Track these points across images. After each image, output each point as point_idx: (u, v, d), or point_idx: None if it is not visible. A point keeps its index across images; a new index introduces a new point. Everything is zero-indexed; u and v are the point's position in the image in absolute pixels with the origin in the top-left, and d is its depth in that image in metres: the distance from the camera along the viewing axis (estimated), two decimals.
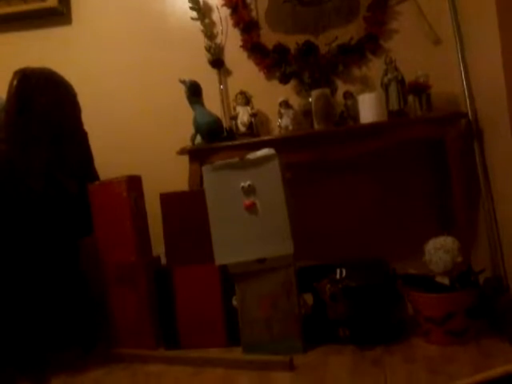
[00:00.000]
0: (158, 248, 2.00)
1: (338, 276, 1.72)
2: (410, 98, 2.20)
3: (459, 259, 1.63)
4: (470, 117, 2.14)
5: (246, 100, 2.35)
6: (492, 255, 2.07)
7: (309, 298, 1.75)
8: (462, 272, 1.66)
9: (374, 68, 2.39)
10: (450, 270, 1.64)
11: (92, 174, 2.14)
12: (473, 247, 2.14)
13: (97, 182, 2.03)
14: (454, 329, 1.61)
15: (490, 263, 2.06)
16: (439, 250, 1.65)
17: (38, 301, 1.77)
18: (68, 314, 1.89)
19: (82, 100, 2.15)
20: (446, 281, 1.64)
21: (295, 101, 2.35)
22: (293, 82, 2.40)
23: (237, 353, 1.75)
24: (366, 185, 2.42)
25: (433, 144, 2.27)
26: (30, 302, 1.75)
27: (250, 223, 1.71)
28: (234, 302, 1.76)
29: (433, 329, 1.63)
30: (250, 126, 2.31)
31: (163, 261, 1.96)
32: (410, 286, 1.70)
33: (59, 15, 2.64)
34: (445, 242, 1.67)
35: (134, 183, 1.97)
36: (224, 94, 2.48)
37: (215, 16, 2.53)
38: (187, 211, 1.89)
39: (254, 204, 1.72)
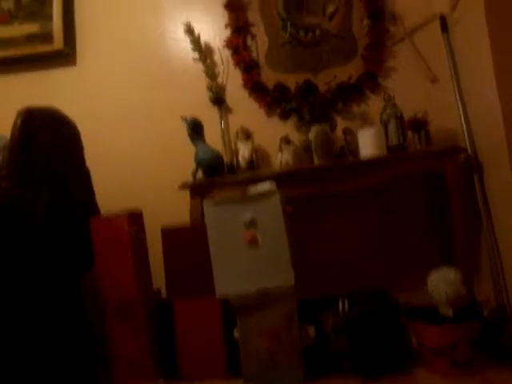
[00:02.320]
0: (159, 280, 1.98)
1: (340, 308, 1.70)
2: (409, 133, 2.24)
3: (462, 290, 1.61)
4: (469, 151, 2.16)
5: (247, 136, 2.38)
6: (495, 286, 2.04)
7: (311, 330, 1.72)
8: (465, 303, 1.63)
9: (373, 105, 2.43)
10: (453, 301, 1.62)
11: (94, 210, 2.15)
12: (476, 278, 2.12)
13: (98, 217, 2.03)
14: (458, 360, 1.57)
15: (493, 294, 2.03)
16: (442, 282, 1.63)
17: (38, 336, 1.74)
18: (68, 348, 1.85)
19: (85, 137, 2.17)
20: (449, 312, 1.61)
21: (295, 137, 2.38)
22: (293, 119, 2.45)
23: None
24: (368, 217, 2.42)
25: (433, 177, 2.28)
26: (30, 336, 1.72)
27: (251, 256, 1.70)
28: (236, 334, 1.73)
29: (436, 360, 1.59)
30: (250, 161, 2.33)
31: (164, 293, 1.94)
32: (413, 318, 1.67)
33: (65, 57, 2.71)
34: (447, 273, 1.65)
35: (135, 218, 1.98)
36: (225, 131, 2.52)
37: (217, 57, 2.60)
38: (188, 245, 1.89)
39: (255, 237, 1.71)
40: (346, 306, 1.70)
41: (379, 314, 1.65)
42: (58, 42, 2.72)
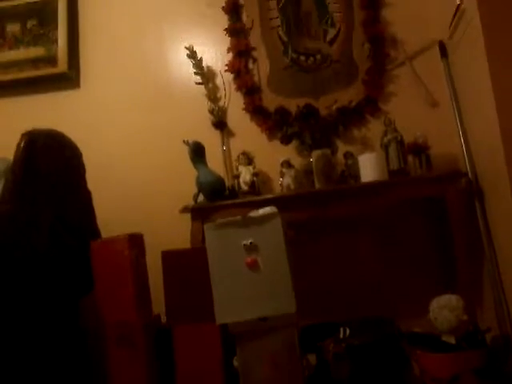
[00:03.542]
0: (158, 305, 1.97)
1: (341, 335, 1.69)
2: (410, 157, 2.24)
3: (464, 317, 1.61)
4: (470, 176, 2.16)
5: (249, 160, 2.39)
6: (498, 313, 2.01)
7: (312, 358, 1.70)
8: (468, 331, 1.62)
9: (374, 129, 2.45)
10: (456, 329, 1.60)
11: (94, 232, 2.15)
12: (478, 305, 2.10)
13: (99, 240, 2.03)
14: None
15: (496, 321, 2.01)
16: (444, 309, 1.62)
17: (36, 359, 1.72)
18: (66, 373, 1.83)
19: (87, 160, 2.19)
20: (451, 340, 1.60)
21: (297, 161, 2.39)
22: (294, 143, 2.46)
23: None
24: (369, 242, 2.42)
25: (434, 202, 2.28)
26: (28, 359, 1.70)
27: (251, 281, 1.69)
28: (235, 363, 1.71)
29: None
30: (252, 184, 2.34)
31: (163, 319, 1.93)
32: (415, 345, 1.66)
33: (68, 80, 2.75)
34: (449, 300, 1.65)
35: (135, 241, 1.97)
36: (227, 154, 2.53)
37: (219, 80, 2.62)
38: (189, 269, 1.88)
39: (255, 262, 1.70)
40: (348, 333, 1.68)
41: (381, 342, 1.64)
42: (62, 65, 2.77)
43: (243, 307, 1.67)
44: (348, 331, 1.69)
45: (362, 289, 2.34)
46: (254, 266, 1.70)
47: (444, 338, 1.62)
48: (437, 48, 2.40)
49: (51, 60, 2.78)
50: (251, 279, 1.69)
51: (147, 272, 2.01)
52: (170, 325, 1.86)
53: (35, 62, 2.79)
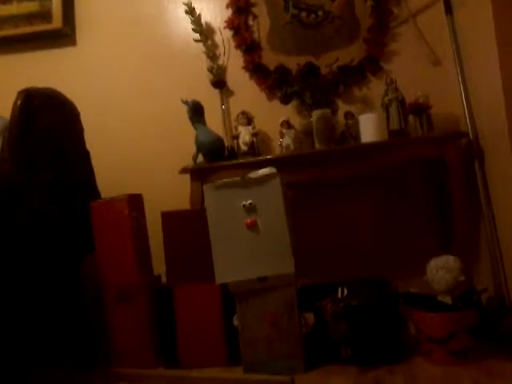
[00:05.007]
0: (159, 267, 1.99)
1: (339, 295, 1.71)
2: (411, 118, 2.22)
3: (461, 278, 1.63)
4: (471, 136, 2.14)
5: (248, 120, 2.37)
6: (494, 274, 2.04)
7: (310, 317, 1.74)
8: (464, 291, 1.65)
9: (375, 89, 2.41)
10: (452, 289, 1.63)
11: (94, 193, 2.15)
12: (475, 266, 2.13)
13: (98, 201, 2.03)
14: (457, 349, 1.59)
15: (492, 282, 2.04)
16: (441, 269, 1.64)
17: (37, 319, 1.76)
18: (68, 332, 1.87)
19: (85, 119, 2.17)
20: (448, 300, 1.63)
21: (296, 121, 2.36)
22: (294, 103, 2.43)
23: (237, 372, 1.72)
24: (368, 204, 2.42)
25: (433, 163, 2.27)
26: (29, 320, 1.74)
27: (251, 242, 1.71)
28: (235, 322, 1.74)
29: (435, 349, 1.61)
30: (251, 145, 2.32)
31: (163, 279, 1.95)
32: (411, 305, 1.69)
33: (64, 37, 2.69)
34: (447, 261, 1.66)
35: (135, 202, 1.98)
36: (226, 114, 2.51)
37: (217, 38, 2.57)
38: (188, 230, 1.89)
39: (255, 222, 1.72)
40: (346, 293, 1.71)
41: (378, 302, 1.66)
42: (57, 21, 2.70)
43: (243, 267, 1.70)
44: (346, 291, 1.71)
45: (360, 250, 2.37)
46: (253, 227, 1.72)
47: (440, 298, 1.65)
48: (441, 4, 2.34)
49: (46, 15, 2.71)
50: (250, 240, 1.72)
51: (147, 232, 2.03)
52: (170, 285, 1.89)
53: (29, 18, 2.72)
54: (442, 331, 1.58)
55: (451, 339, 1.58)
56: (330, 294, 1.73)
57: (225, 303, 1.83)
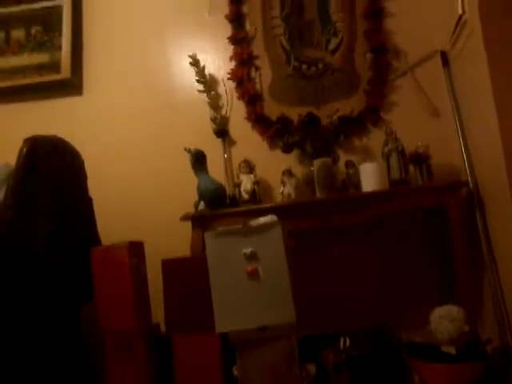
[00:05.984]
0: (158, 314, 1.96)
1: (341, 345, 1.68)
2: (411, 167, 2.24)
3: (465, 328, 1.60)
4: (471, 185, 2.15)
5: (250, 168, 2.39)
6: (499, 324, 2.00)
7: (312, 368, 1.70)
8: (468, 341, 1.61)
9: (375, 138, 2.45)
10: (456, 340, 1.60)
11: (94, 239, 2.15)
12: (479, 316, 2.09)
13: (99, 247, 2.03)
14: None
15: (497, 333, 1.99)
16: (444, 319, 1.62)
17: (35, 367, 1.72)
18: (66, 381, 1.83)
19: (89, 167, 2.19)
20: (452, 350, 1.59)
21: (298, 170, 2.39)
22: (295, 152, 2.46)
23: None
24: (369, 252, 2.41)
25: (435, 212, 2.27)
26: (27, 367, 1.70)
27: (251, 290, 1.69)
28: (235, 372, 1.70)
29: None
30: (253, 193, 2.34)
31: (163, 327, 1.92)
32: (415, 356, 1.65)
33: (71, 86, 2.77)
34: (450, 310, 1.64)
35: (135, 249, 1.97)
36: (228, 163, 2.54)
37: (221, 89, 2.63)
38: (189, 277, 1.87)
39: (256, 270, 1.70)
40: (348, 343, 1.68)
41: (381, 353, 1.63)
42: (65, 72, 2.78)
43: (243, 316, 1.67)
44: (348, 341, 1.68)
45: (362, 298, 2.33)
46: (254, 275, 1.70)
47: (444, 349, 1.62)
48: (439, 58, 2.41)
49: (55, 66, 2.80)
50: (251, 288, 1.69)
51: (147, 280, 2.01)
52: (169, 334, 1.86)
53: (39, 69, 2.81)
54: (447, 383, 1.54)
55: None
56: (332, 344, 1.70)
57: (225, 352, 1.79)
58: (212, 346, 1.80)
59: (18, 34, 2.89)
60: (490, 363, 1.63)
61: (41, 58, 2.83)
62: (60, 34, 2.82)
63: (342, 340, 1.70)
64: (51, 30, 2.85)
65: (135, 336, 1.86)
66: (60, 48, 2.80)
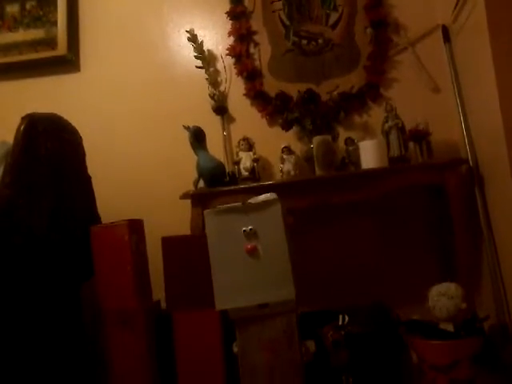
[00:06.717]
0: (158, 292, 1.98)
1: (340, 322, 1.70)
2: (411, 144, 2.23)
3: (463, 306, 1.61)
4: (471, 162, 2.15)
5: (249, 146, 2.38)
6: (496, 301, 2.02)
7: (311, 345, 1.71)
8: (466, 319, 1.63)
9: (375, 115, 2.43)
10: (454, 317, 1.61)
11: (94, 218, 2.15)
12: (477, 293, 2.11)
13: (98, 226, 2.03)
14: (460, 377, 1.56)
15: (494, 310, 2.01)
16: (443, 297, 1.63)
17: (36, 345, 1.74)
18: (65, 358, 1.85)
19: (87, 145, 2.18)
20: (450, 327, 1.61)
21: (297, 147, 2.37)
22: (295, 129, 2.44)
23: None
24: (368, 230, 2.42)
25: (434, 189, 2.27)
26: (27, 345, 1.72)
27: (251, 267, 1.69)
28: (235, 349, 1.72)
29: (438, 377, 1.58)
30: (252, 171, 2.33)
31: (163, 305, 1.94)
32: (413, 333, 1.67)
33: (68, 63, 2.73)
34: (448, 288, 1.65)
35: (135, 227, 1.97)
36: (227, 140, 2.52)
37: (219, 65, 2.60)
38: (189, 255, 1.88)
39: (255, 248, 1.70)
40: (347, 320, 1.69)
41: (379, 330, 1.65)
42: (61, 48, 2.74)
43: (243, 293, 1.67)
44: (347, 318, 1.70)
45: (361, 276, 2.35)
46: (253, 253, 1.70)
47: (442, 326, 1.63)
48: (440, 32, 2.37)
49: (51, 42, 2.76)
50: (251, 265, 1.70)
51: (147, 258, 2.01)
52: (169, 311, 1.87)
53: (34, 45, 2.77)
54: (445, 359, 1.56)
55: (454, 367, 1.55)
56: (331, 321, 1.71)
57: (225, 329, 1.81)
58: (212, 323, 1.81)
59: (12, 9, 2.84)
60: (486, 340, 1.65)
61: (36, 33, 2.79)
62: (55, 9, 2.78)
63: (340, 317, 1.72)
64: (46, 5, 2.80)
65: (135, 313, 1.88)
66: (56, 23, 2.76)
